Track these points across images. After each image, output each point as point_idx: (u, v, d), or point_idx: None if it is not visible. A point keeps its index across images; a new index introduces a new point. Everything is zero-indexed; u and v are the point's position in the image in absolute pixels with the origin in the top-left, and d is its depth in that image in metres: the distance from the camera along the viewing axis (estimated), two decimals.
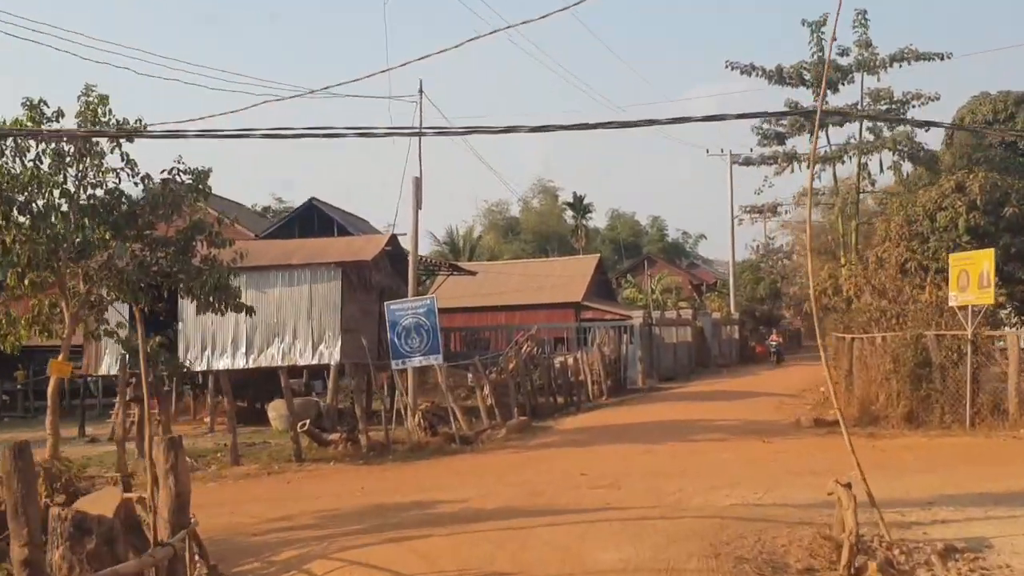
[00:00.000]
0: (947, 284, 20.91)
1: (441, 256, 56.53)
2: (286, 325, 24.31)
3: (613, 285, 57.68)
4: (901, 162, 34.54)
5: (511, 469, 15.19)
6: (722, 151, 55.37)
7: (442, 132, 13.95)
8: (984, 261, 17.42)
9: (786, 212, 37.15)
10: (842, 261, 34.67)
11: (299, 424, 18.70)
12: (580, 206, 74.72)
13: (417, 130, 20.29)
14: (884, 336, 19.36)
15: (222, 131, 11.48)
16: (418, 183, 23.15)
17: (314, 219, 35.84)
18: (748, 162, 36.85)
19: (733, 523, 10.03)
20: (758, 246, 66.46)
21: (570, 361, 30.83)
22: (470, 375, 28.61)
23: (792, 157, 36.06)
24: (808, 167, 35.45)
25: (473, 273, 41.52)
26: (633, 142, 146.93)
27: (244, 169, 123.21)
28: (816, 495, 11.72)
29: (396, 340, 19.58)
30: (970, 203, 25.58)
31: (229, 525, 11.47)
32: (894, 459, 14.47)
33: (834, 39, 12.68)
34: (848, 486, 8.93)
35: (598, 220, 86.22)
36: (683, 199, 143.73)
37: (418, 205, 23.12)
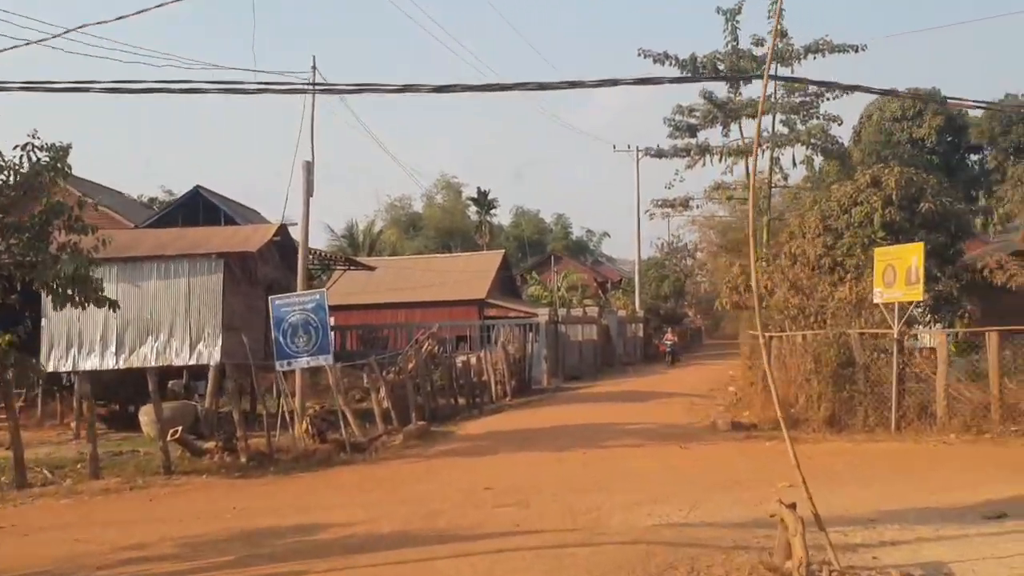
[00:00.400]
0: (865, 280, 20.15)
1: (339, 250, 54.49)
2: (161, 322, 22.25)
3: (518, 282, 56.51)
4: (813, 156, 34.06)
5: (407, 482, 13.58)
6: (629, 147, 54.85)
7: (331, 90, 12.29)
8: (912, 256, 16.49)
9: (697, 207, 36.34)
10: (752, 256, 33.87)
11: (170, 431, 16.77)
12: (484, 201, 73.34)
13: (307, 86, 18.48)
14: (804, 335, 18.34)
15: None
16: (309, 168, 21.33)
17: (199, 209, 33.56)
18: (660, 154, 35.83)
19: (661, 549, 8.65)
20: (663, 244, 66.03)
21: (473, 360, 29.36)
22: (366, 376, 27.02)
23: (704, 150, 35.12)
24: (720, 160, 34.84)
25: (371, 268, 39.75)
26: (540, 139, 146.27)
27: (136, 162, 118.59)
28: (747, 512, 10.48)
29: (281, 339, 17.77)
30: (886, 198, 24.88)
31: (71, 555, 9.69)
32: (822, 468, 13.33)
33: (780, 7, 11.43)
34: (793, 507, 7.62)
35: (502, 217, 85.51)
36: (588, 197, 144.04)
37: (309, 192, 21.29)
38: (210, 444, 17.80)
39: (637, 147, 53.83)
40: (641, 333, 52.58)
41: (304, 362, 17.90)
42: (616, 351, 47.27)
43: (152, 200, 53.83)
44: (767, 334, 19.74)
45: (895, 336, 16.55)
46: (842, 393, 17.07)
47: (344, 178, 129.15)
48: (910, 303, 16.72)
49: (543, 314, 38.25)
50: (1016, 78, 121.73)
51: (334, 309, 46.63)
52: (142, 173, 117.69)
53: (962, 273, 24.57)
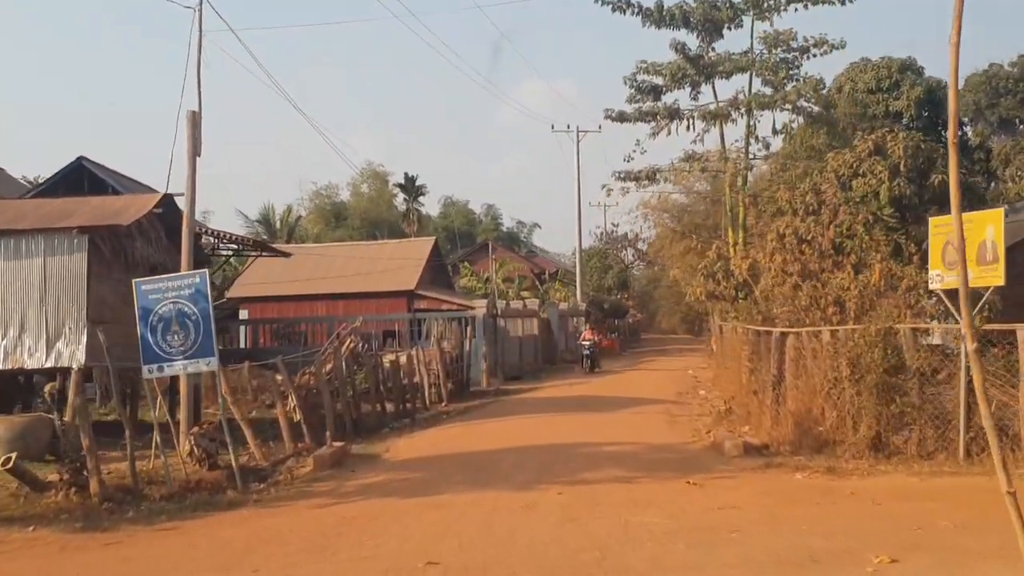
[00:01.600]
0: (880, 264, 16.41)
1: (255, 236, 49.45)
2: (10, 313, 17.46)
3: (450, 273, 52.29)
4: (796, 120, 30.13)
5: (307, 552, 9.13)
6: (568, 127, 50.83)
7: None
8: (988, 226, 12.47)
9: (665, 180, 32.08)
10: (731, 240, 29.95)
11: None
12: (412, 188, 68.70)
13: None
14: (835, 331, 14.31)
15: None
16: (195, 120, 16.65)
17: (84, 182, 28.53)
18: (622, 118, 31.46)
19: None
20: (602, 233, 62.02)
21: (403, 360, 25.02)
22: (279, 378, 22.81)
23: (674, 113, 30.88)
24: (691, 127, 30.58)
25: (286, 254, 35.07)
26: (471, 125, 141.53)
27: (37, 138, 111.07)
28: None
29: (149, 336, 13.15)
30: (892, 168, 21.23)
31: None
32: (910, 522, 9.28)
33: None
34: None
35: (431, 208, 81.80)
36: (520, 187, 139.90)
37: (196, 149, 16.61)
38: (53, 475, 13.25)
39: (577, 127, 49.87)
40: (584, 328, 48.63)
41: (179, 367, 13.29)
42: (558, 347, 43.28)
43: (37, 179, 48.09)
44: (779, 330, 15.74)
45: (965, 333, 12.59)
46: (890, 408, 13.06)
47: (262, 162, 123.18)
48: (986, 289, 12.76)
49: (480, 306, 34.01)
50: (1001, 47, 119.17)
51: (247, 301, 42.15)
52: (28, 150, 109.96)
53: None
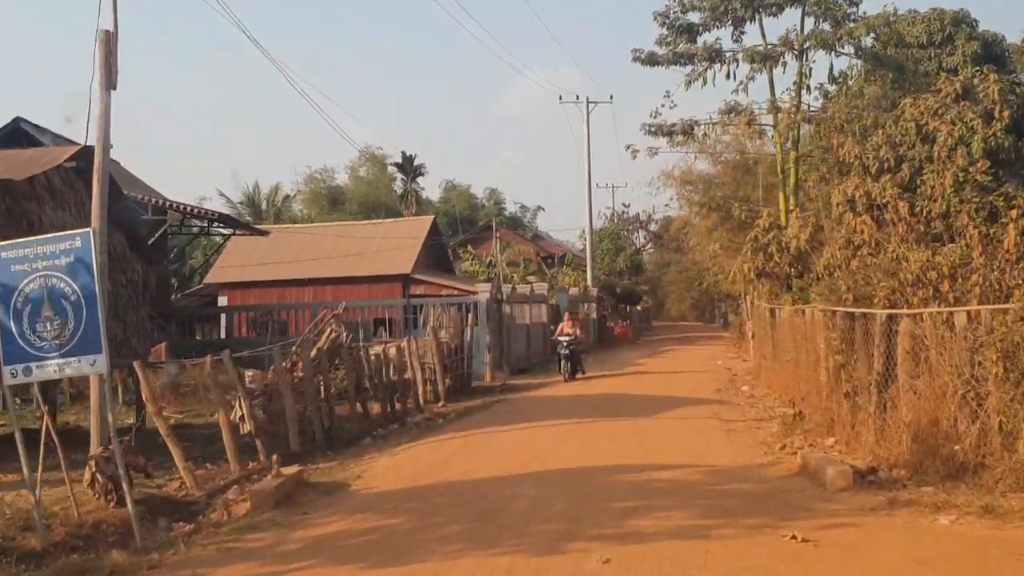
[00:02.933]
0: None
1: (239, 217, 45.48)
2: None
3: (450, 258, 48.53)
4: (856, 65, 25.92)
5: None
6: (577, 97, 46.96)
7: None
8: None
9: (704, 136, 27.88)
10: (782, 206, 25.83)
11: None
12: (411, 168, 64.68)
13: None
14: (975, 312, 10.34)
15: None
16: (109, 40, 12.64)
17: (22, 144, 24.82)
18: (652, 60, 27.16)
19: None
20: (612, 214, 57.96)
21: (392, 352, 21.17)
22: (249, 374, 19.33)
23: (715, 55, 26.57)
24: (732, 74, 26.15)
25: (263, 232, 31.09)
26: (474, 109, 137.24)
27: None
28: None
29: (13, 325, 9.22)
30: (986, 114, 17.24)
31: None
32: None
33: None
34: None
35: (431, 192, 78.30)
36: (524, 172, 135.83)
37: (110, 80, 12.60)
38: None
39: (587, 97, 45.88)
40: (595, 314, 44.83)
41: (53, 367, 9.30)
42: None
43: None
44: (886, 312, 11.76)
45: None
46: None
47: (256, 142, 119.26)
48: None
49: (483, 290, 30.09)
50: None
51: (227, 287, 38.35)
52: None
53: None
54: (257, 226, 35.05)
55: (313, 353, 20.72)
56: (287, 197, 58.80)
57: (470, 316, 25.59)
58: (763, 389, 20.43)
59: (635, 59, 27.32)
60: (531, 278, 44.62)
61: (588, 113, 45.84)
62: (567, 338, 25.14)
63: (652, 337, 53.70)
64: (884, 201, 16.01)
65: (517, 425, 15.99)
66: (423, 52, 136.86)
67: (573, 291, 42.13)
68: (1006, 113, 16.85)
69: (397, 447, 14.54)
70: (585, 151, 46.48)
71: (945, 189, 16.46)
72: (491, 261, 46.41)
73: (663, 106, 27.30)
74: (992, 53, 29.87)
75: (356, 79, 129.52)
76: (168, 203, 23.25)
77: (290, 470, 11.12)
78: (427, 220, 40.17)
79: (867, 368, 11.74)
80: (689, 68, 26.90)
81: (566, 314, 27.33)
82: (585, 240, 52.80)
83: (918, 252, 12.83)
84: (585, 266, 49.42)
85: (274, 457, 11.36)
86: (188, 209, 24.98)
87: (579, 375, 25.30)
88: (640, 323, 60.09)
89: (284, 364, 15.71)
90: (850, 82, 26.14)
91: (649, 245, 72.60)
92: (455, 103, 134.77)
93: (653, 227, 65.48)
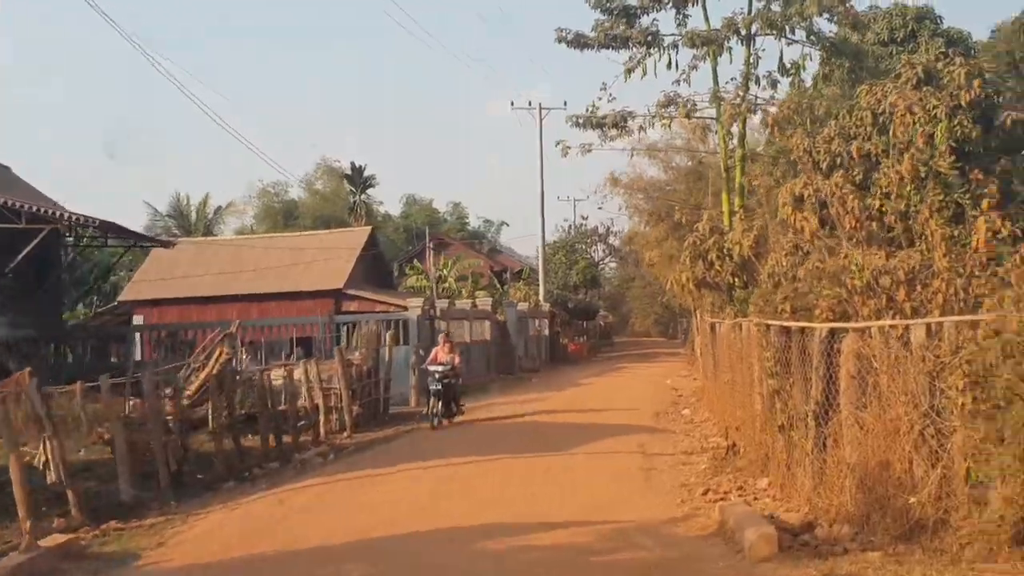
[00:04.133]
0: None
1: (165, 232, 43.03)
2: None
3: (395, 273, 46.18)
4: (810, 53, 23.75)
5: None
6: (530, 103, 44.81)
7: None
8: None
9: (641, 128, 25.47)
10: (725, 208, 23.57)
11: None
12: (360, 179, 62.23)
13: None
14: (935, 324, 8.10)
15: None
16: None
17: None
18: (581, 42, 24.72)
19: None
20: (570, 226, 55.75)
21: (297, 375, 18.89)
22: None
23: (652, 39, 24.05)
24: (674, 63, 23.70)
25: (167, 244, 28.63)
26: (438, 122, 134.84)
27: None
28: None
29: None
30: (951, 104, 15.19)
31: None
32: None
33: None
34: None
35: (391, 206, 76.33)
36: (489, 186, 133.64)
37: None
38: None
39: (540, 104, 43.75)
40: (547, 331, 42.59)
41: None
42: (516, 354, 37.09)
43: None
44: (827, 326, 9.52)
45: None
46: None
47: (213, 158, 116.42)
48: None
49: (414, 306, 27.78)
50: None
51: (143, 304, 35.80)
52: None
53: None
54: (162, 239, 32.51)
55: (200, 379, 18.42)
56: (219, 209, 56.10)
57: (388, 335, 23.17)
58: (704, 413, 18.24)
59: (560, 40, 24.88)
60: (480, 293, 42.29)
61: (541, 120, 43.70)
62: (441, 368, 19.15)
63: (611, 354, 51.58)
64: (837, 199, 13.87)
65: (409, 465, 13.58)
66: (387, 61, 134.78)
67: (522, 306, 39.85)
68: (968, 95, 14.79)
69: (252, 495, 12.12)
70: (538, 159, 44.26)
71: (902, 181, 14.44)
72: (440, 276, 44.20)
73: (600, 99, 25.02)
74: (963, 54, 28.03)
75: (314, 88, 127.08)
76: (41, 209, 20.69)
77: (57, 539, 8.67)
78: (363, 231, 37.76)
79: (805, 395, 9.49)
80: (627, 56, 24.59)
81: (440, 336, 21.24)
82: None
83: (869, 254, 10.63)
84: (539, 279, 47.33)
85: (56, 520, 8.93)
86: (81, 219, 22.36)
87: (456, 416, 19.54)
88: (599, 339, 57.97)
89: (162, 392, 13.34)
90: (804, 73, 23.98)
91: (608, 258, 70.49)
92: (420, 116, 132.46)
93: (613, 241, 63.34)
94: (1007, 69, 29.60)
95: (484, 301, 35.60)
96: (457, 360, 19.66)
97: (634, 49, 24.39)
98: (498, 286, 47.56)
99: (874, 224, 12.02)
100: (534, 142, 44.16)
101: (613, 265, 76.45)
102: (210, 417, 15.57)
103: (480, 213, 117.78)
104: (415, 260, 49.12)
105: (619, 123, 24.61)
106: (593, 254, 60.12)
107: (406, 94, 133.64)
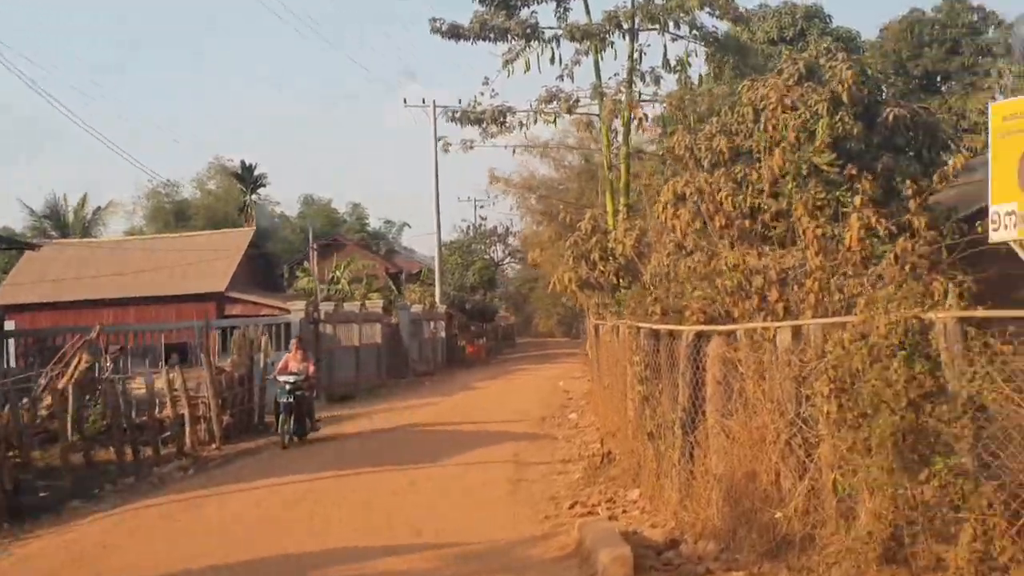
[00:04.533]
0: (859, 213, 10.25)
1: (40, 234, 40.98)
2: None
3: (285, 275, 44.92)
4: (696, 49, 23.41)
5: None
6: (424, 101, 43.92)
7: None
8: None
9: (521, 125, 24.65)
10: (609, 208, 23.07)
11: None
12: (251, 178, 60.52)
13: None
14: (802, 327, 7.63)
15: None
16: None
17: None
18: (456, 32, 23.85)
19: None
20: (469, 227, 55.02)
21: (160, 384, 17.79)
22: None
23: (531, 32, 23.43)
24: (557, 57, 22.96)
25: (32, 247, 27.01)
26: (337, 120, 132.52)
27: None
28: None
29: None
30: (833, 99, 14.99)
31: None
32: None
33: None
34: None
35: (288, 207, 74.70)
36: (390, 187, 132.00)
37: None
38: None
39: (434, 101, 42.91)
40: (443, 333, 41.81)
41: None
42: (409, 357, 36.23)
43: None
44: (693, 328, 9.02)
45: None
46: (920, 478, 6.45)
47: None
48: None
49: (297, 309, 26.78)
50: None
51: (13, 309, 33.89)
52: None
53: (944, 222, 14.74)
54: (36, 241, 30.87)
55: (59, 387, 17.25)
56: (99, 209, 53.80)
57: (264, 340, 22.12)
58: (591, 418, 17.72)
59: (435, 31, 24.04)
60: (375, 295, 41.29)
61: (435, 118, 42.86)
62: (292, 378, 16.93)
63: (512, 355, 50.98)
64: (721, 197, 13.46)
65: (263, 482, 12.64)
66: (288, 58, 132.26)
67: (416, 308, 39.00)
68: (847, 74, 14.57)
69: (93, 515, 11.15)
70: (433, 158, 43.43)
71: (783, 178, 14.18)
72: (333, 278, 43.03)
73: (482, 94, 24.31)
74: (846, 49, 28.27)
75: (211, 87, 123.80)
76: None
77: None
78: (247, 232, 36.62)
79: (673, 402, 8.95)
80: (506, 48, 23.86)
81: (293, 342, 18.91)
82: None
83: (740, 253, 10.16)
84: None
85: None
86: None
87: (311, 433, 17.39)
88: (501, 341, 57.37)
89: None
90: (692, 70, 23.66)
91: (509, 259, 69.94)
92: (322, 115, 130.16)
93: (513, 240, 62.76)
94: (895, 68, 30.04)
95: (375, 303, 34.65)
96: (311, 369, 17.84)
97: (513, 42, 23.72)
98: (393, 288, 46.55)
99: (747, 222, 11.55)
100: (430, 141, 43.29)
101: (517, 266, 76.03)
102: (68, 428, 14.59)
103: (382, 214, 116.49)
104: (305, 262, 47.86)
105: (498, 119, 23.93)
106: (493, 255, 59.46)
107: (305, 93, 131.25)
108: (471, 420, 18.65)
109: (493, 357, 48.08)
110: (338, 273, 42.56)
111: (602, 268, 16.86)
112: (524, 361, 43.77)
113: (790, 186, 14.53)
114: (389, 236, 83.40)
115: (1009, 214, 6.70)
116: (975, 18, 32.78)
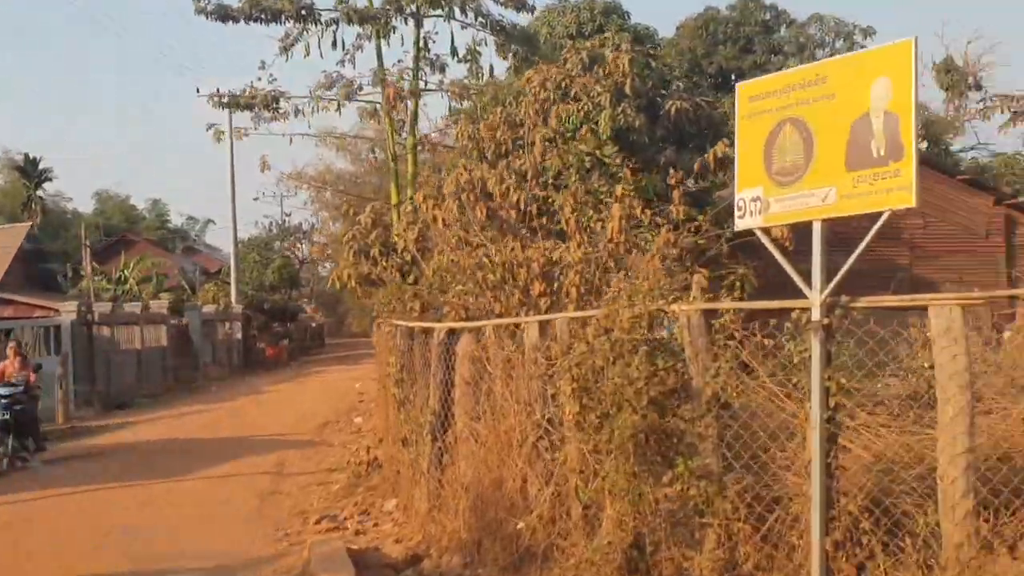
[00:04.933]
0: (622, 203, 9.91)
1: None
2: None
3: (68, 275, 41.92)
4: (485, 38, 22.79)
5: None
6: (218, 91, 41.76)
7: None
8: (879, 78, 5.69)
9: (298, 112, 23.25)
10: (394, 200, 22.18)
11: None
12: (35, 171, 56.52)
13: None
14: (548, 321, 7.10)
15: None
16: None
17: None
18: (224, 13, 21.94)
19: None
20: (272, 224, 53.02)
21: None
22: None
23: (307, 13, 22.23)
24: (341, 40, 21.76)
25: None
26: (136, 115, 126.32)
27: None
28: None
29: None
30: (616, 90, 14.78)
31: None
32: None
33: None
34: None
35: (82, 203, 70.73)
36: (194, 180, 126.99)
37: None
38: None
39: (229, 91, 40.86)
40: (239, 334, 40.01)
41: None
42: (201, 360, 34.42)
43: None
44: (444, 326, 8.39)
45: (817, 316, 5.69)
46: (662, 481, 6.00)
47: None
48: (874, 217, 5.89)
49: (69, 310, 24.79)
50: None
51: None
52: None
53: (725, 219, 14.76)
54: None
55: None
56: None
57: (26, 344, 20.22)
58: (375, 421, 16.92)
59: (200, 11, 22.45)
60: (165, 295, 39.10)
61: (231, 109, 40.83)
62: (8, 390, 14.48)
63: (319, 356, 49.43)
64: (503, 189, 12.91)
65: None
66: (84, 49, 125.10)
67: (209, 309, 37.11)
68: (627, 64, 14.34)
69: None
70: (229, 149, 41.29)
71: (567, 169, 13.88)
72: (121, 277, 40.48)
73: (259, 79, 23.00)
74: (644, 46, 28.54)
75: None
76: None
77: None
78: (20, 229, 33.80)
79: (424, 404, 8.29)
80: (281, 28, 22.54)
81: (9, 348, 16.00)
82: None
83: (504, 245, 9.62)
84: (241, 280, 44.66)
85: None
86: None
87: (37, 453, 14.77)
88: (309, 341, 55.65)
89: None
90: (481, 61, 23.07)
91: (317, 257, 68.09)
92: (121, 109, 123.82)
93: (319, 238, 60.96)
94: (690, 66, 30.54)
95: (161, 303, 32.69)
96: (32, 378, 15.36)
97: (289, 24, 22.50)
98: (185, 287, 44.25)
99: (514, 213, 11.03)
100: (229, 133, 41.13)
101: (328, 265, 74.13)
102: None
103: (185, 210, 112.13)
104: (93, 261, 44.90)
105: (270, 104, 22.68)
106: (297, 252, 57.58)
107: (99, 87, 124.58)
108: (246, 427, 17.48)
109: (297, 359, 46.52)
110: (126, 272, 40.08)
111: (384, 264, 16.06)
112: (328, 362, 42.49)
113: (573, 179, 14.24)
114: (192, 233, 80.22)
115: (755, 200, 6.30)
116: (768, 17, 33.79)
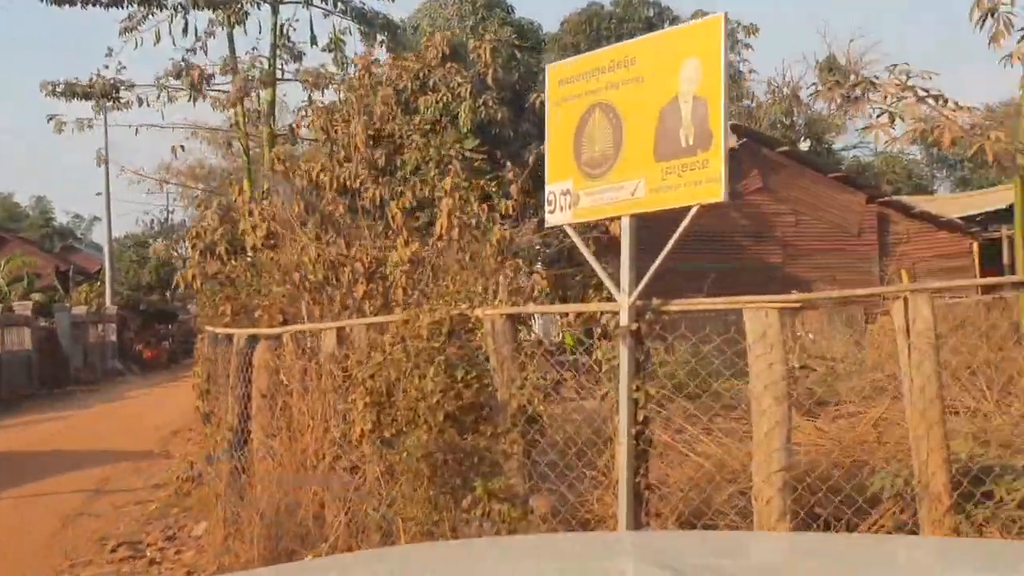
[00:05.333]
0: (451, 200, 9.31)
1: None
2: None
3: None
4: (349, 27, 21.89)
5: None
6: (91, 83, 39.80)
7: None
8: (689, 59, 5.11)
9: (144, 102, 21.89)
10: (247, 194, 21.11)
11: None
12: None
13: None
14: (345, 328, 6.39)
15: None
16: None
17: None
18: None
19: None
20: (152, 221, 50.93)
21: None
22: None
23: None
24: (190, 28, 20.62)
25: None
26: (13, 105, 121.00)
27: None
28: None
29: None
30: (479, 81, 14.18)
31: None
32: None
33: None
34: None
35: None
36: (82, 176, 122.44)
37: None
38: None
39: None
40: (114, 336, 38.31)
41: None
42: (72, 364, 32.71)
43: None
44: (244, 332, 7.60)
45: (625, 320, 5.09)
46: (461, 506, 5.36)
47: None
48: (682, 212, 5.32)
49: None
50: None
51: None
52: None
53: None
54: None
55: None
56: None
57: None
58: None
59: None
60: (38, 296, 37.15)
61: (106, 103, 38.93)
62: None
63: (185, 363, 47.78)
64: (358, 184, 12.16)
65: None
66: None
67: (79, 310, 35.36)
68: (488, 53, 13.73)
69: None
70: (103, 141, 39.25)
71: (422, 165, 13.20)
72: None
73: (106, 67, 21.70)
74: (527, 41, 28.03)
75: None
76: None
77: None
78: None
79: (224, 418, 7.51)
80: (123, 14, 21.27)
81: None
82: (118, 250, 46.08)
83: (325, 243, 8.89)
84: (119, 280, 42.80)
85: None
86: None
87: None
88: (191, 343, 53.69)
89: None
90: (345, 50, 22.18)
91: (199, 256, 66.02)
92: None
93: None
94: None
95: (24, 305, 30.94)
96: None
97: (133, 7, 21.25)
98: (59, 287, 42.16)
99: (341, 208, 10.30)
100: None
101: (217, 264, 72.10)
102: None
103: (72, 208, 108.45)
104: None
105: (110, 93, 21.44)
106: (181, 251, 55.72)
107: None
108: (90, 437, 16.30)
109: (178, 361, 44.84)
110: None
111: (233, 263, 15.14)
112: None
113: (432, 173, 13.59)
114: (78, 231, 77.33)
115: (564, 193, 5.69)
116: (651, 13, 33.55)
